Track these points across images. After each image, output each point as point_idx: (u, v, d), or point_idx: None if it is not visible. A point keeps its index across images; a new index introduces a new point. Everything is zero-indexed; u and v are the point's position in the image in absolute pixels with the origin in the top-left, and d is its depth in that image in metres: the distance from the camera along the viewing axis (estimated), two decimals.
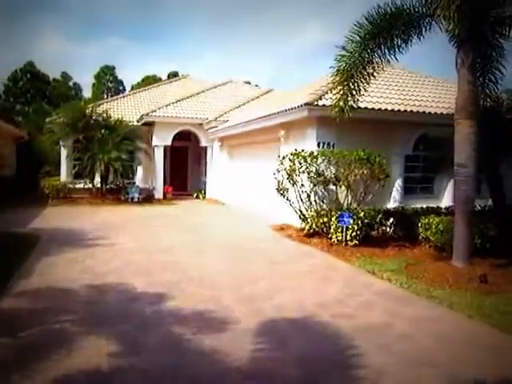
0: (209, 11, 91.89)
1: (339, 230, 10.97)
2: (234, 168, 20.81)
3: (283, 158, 12.21)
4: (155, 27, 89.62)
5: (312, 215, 11.67)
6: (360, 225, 10.90)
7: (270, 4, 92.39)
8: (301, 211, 12.15)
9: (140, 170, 24.20)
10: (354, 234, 10.86)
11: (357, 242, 10.90)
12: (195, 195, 23.96)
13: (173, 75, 49.03)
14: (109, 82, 60.56)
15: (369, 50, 10.00)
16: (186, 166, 26.80)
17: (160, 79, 48.45)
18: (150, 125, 22.93)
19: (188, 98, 24.76)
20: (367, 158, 10.89)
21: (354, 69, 10.05)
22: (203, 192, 23.84)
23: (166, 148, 23.58)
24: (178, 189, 24.74)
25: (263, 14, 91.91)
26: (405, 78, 16.48)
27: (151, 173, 23.18)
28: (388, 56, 10.07)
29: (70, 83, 57.70)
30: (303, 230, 11.93)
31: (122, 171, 20.61)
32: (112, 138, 20.67)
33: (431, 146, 14.03)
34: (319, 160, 11.39)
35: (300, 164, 11.56)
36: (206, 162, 23.91)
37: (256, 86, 36.27)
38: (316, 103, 11.86)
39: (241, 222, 15.68)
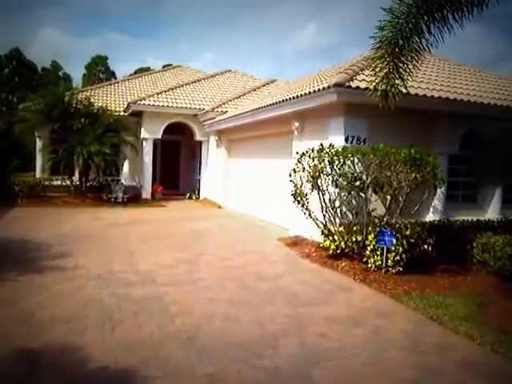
0: (208, 10, 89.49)
1: (378, 252, 8.19)
2: (233, 166, 17.97)
3: (302, 155, 9.40)
4: (153, 23, 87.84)
5: (340, 231, 8.85)
6: (405, 245, 8.12)
7: (269, 2, 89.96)
8: (324, 224, 9.35)
9: (126, 166, 21.36)
10: (398, 257, 8.08)
11: (400, 269, 8.11)
12: (188, 196, 21.09)
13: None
14: (100, 73, 57.47)
15: (424, 14, 7.25)
16: (178, 163, 23.89)
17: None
18: (138, 115, 20.03)
19: (182, 86, 21.88)
20: (418, 158, 8.08)
21: (403, 39, 7.26)
22: (197, 192, 20.98)
23: (155, 142, 20.70)
24: (169, 188, 21.89)
25: (263, 12, 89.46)
26: (449, 67, 13.81)
27: (139, 169, 20.33)
28: (451, 21, 7.31)
29: (60, 73, 54.63)
30: (326, 248, 9.08)
31: (104, 167, 17.72)
32: (94, 128, 17.79)
33: (479, 145, 11.29)
34: (355, 159, 8.56)
35: (329, 163, 8.72)
36: (200, 159, 21.07)
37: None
38: (348, 84, 9.03)
39: (242, 231, 12.81)
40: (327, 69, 15.34)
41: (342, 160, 8.52)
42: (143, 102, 19.29)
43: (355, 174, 8.47)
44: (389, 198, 8.37)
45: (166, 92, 20.67)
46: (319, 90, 9.49)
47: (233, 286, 7.34)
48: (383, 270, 8.09)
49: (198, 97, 20.92)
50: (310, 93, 9.91)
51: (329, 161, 8.71)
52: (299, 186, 9.57)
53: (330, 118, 10.09)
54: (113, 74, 57.13)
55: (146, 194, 19.79)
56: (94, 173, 18.52)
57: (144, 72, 33.67)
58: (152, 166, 20.06)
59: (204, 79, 23.73)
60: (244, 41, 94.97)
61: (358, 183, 8.36)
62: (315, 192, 9.20)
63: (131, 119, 20.30)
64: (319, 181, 8.94)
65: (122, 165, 21.36)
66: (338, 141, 9.42)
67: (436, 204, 10.66)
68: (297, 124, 11.29)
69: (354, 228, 8.55)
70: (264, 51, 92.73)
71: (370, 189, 8.38)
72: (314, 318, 6.06)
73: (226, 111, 18.34)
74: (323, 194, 9.13)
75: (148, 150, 19.89)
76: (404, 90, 7.39)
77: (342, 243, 8.66)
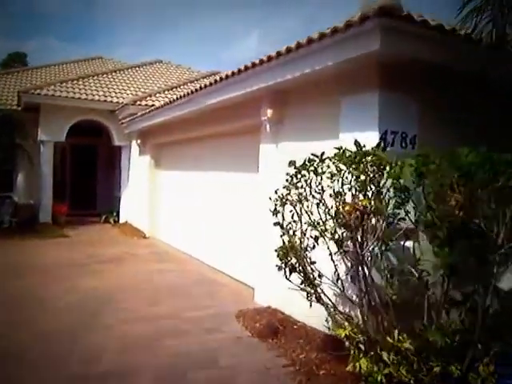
0: (148, 14, 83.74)
1: None
2: (164, 181, 12.71)
3: (304, 166, 4.45)
4: (92, 27, 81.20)
5: (405, 348, 3.80)
6: None
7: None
8: (348, 315, 4.41)
9: (21, 178, 15.61)
10: None
11: None
12: (104, 218, 15.48)
13: None
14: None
15: None
16: (94, 175, 18.23)
17: None
18: (35, 110, 14.33)
19: (96, 75, 16.34)
20: None
21: None
22: (116, 214, 15.47)
23: (61, 146, 15.10)
24: (82, 207, 16.29)
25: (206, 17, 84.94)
26: None
27: (36, 183, 14.63)
28: None
29: None
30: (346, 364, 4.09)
31: None
32: None
33: None
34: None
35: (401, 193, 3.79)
36: (120, 171, 15.61)
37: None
38: (407, 13, 4.13)
39: (177, 293, 7.50)
40: None
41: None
42: (39, 91, 13.65)
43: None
44: None
45: (72, 81, 15.08)
46: (335, 31, 4.51)
47: None
48: None
49: (117, 89, 15.47)
50: (310, 42, 4.90)
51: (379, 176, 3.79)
52: (294, 234, 4.60)
53: (343, 96, 5.20)
54: None
55: (45, 215, 14.11)
56: None
57: None
58: (52, 177, 14.38)
59: (127, 69, 18.27)
60: (184, 46, 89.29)
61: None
62: (331, 248, 4.22)
63: (27, 116, 14.61)
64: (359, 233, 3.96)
65: (17, 176, 15.66)
66: (364, 140, 4.46)
67: None
68: (269, 113, 6.30)
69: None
70: (204, 58, 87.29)
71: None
72: None
73: (153, 105, 13.07)
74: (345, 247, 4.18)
75: (47, 156, 14.23)
76: None
77: (404, 371, 3.68)
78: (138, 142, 13.20)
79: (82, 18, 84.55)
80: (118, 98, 14.65)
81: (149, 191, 12.89)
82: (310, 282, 4.72)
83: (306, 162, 4.45)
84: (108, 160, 17.85)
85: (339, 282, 4.56)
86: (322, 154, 4.41)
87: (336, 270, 4.57)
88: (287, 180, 4.67)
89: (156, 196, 12.89)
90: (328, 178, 4.24)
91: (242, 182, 7.93)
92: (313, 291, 4.73)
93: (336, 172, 4.15)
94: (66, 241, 11.86)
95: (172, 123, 10.30)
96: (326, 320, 4.68)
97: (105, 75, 16.57)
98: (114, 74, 17.07)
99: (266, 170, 6.70)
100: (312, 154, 4.49)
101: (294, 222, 4.64)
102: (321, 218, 4.37)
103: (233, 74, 6.53)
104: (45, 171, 14.18)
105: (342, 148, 4.27)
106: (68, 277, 8.16)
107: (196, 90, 7.76)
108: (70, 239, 12.10)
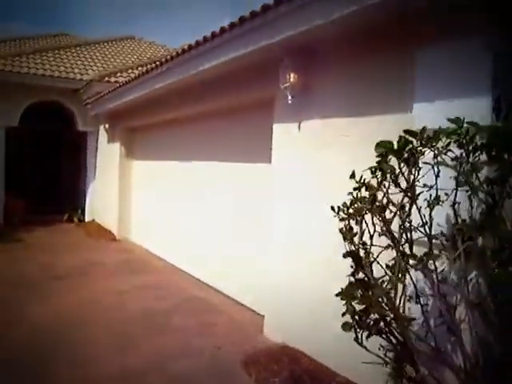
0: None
1: None
2: (138, 172, 10.65)
3: (428, 140, 2.57)
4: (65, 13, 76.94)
5: None
6: None
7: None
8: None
9: None
10: None
11: None
12: (67, 217, 13.31)
13: None
14: None
15: None
16: (58, 166, 15.98)
17: None
18: None
19: (57, 49, 14.09)
20: None
21: None
22: (81, 212, 13.34)
23: (16, 134, 12.84)
24: (43, 204, 14.09)
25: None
26: None
27: None
28: None
29: None
30: None
31: None
32: None
33: None
34: None
35: None
36: (85, 161, 13.45)
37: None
38: None
39: (153, 325, 5.44)
40: None
41: None
42: None
43: None
44: None
45: (28, 55, 12.82)
46: None
47: None
48: None
49: (81, 65, 13.24)
50: None
51: None
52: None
53: (420, 47, 3.33)
54: None
55: None
56: None
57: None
58: (18, 169, 12.17)
59: (94, 44, 15.99)
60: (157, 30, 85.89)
61: None
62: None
63: None
64: None
65: None
66: (462, 112, 2.61)
67: None
68: (292, 77, 4.37)
69: None
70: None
71: None
72: None
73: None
74: None
75: None
76: None
77: None
78: (106, 126, 11.09)
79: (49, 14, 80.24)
80: (82, 74, 12.44)
81: (119, 185, 10.81)
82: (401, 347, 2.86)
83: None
84: (73, 149, 15.62)
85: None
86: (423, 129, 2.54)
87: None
88: (375, 174, 2.75)
89: (128, 191, 10.83)
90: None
91: (245, 172, 6.04)
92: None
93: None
94: (18, 246, 9.68)
95: (148, 101, 8.25)
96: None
97: (67, 49, 14.30)
98: (77, 48, 14.80)
99: (282, 159, 4.81)
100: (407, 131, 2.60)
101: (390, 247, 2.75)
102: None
103: (237, 24, 4.55)
104: None
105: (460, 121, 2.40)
106: (10, 301, 6.12)
107: (183, 52, 5.71)
108: (24, 244, 9.92)
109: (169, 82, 6.62)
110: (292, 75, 4.37)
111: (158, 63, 6.64)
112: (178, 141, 8.37)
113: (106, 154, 11.86)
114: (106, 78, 11.16)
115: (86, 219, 13.07)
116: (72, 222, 13.05)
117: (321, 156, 4.26)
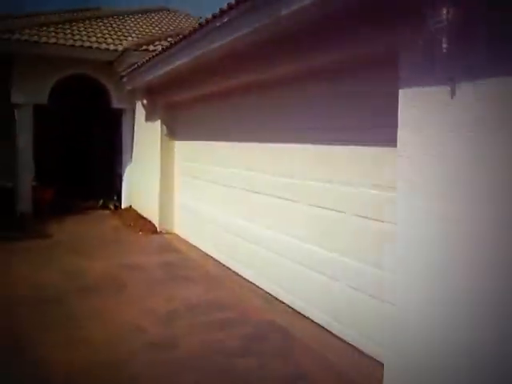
0: None
1: None
2: (185, 152, 9.18)
3: None
4: None
5: None
6: None
7: None
8: None
9: None
10: None
11: None
12: (101, 203, 12.00)
13: None
14: None
15: None
16: (91, 148, 14.72)
17: None
18: (7, 63, 10.75)
19: (87, 20, 12.68)
20: None
21: None
22: (116, 198, 12.02)
23: (43, 112, 11.54)
24: (73, 189, 12.86)
25: None
26: None
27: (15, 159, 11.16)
28: None
29: None
30: None
31: None
32: None
33: None
34: None
35: None
36: (121, 141, 12.07)
37: None
38: None
39: None
40: None
41: None
42: (9, 35, 10.03)
43: None
44: None
45: (57, 25, 11.46)
46: None
47: None
48: None
49: (114, 35, 11.80)
50: None
51: None
52: None
53: None
54: None
55: (24, 204, 10.68)
56: None
57: None
58: (32, 153, 10.92)
59: (127, 15, 14.51)
60: None
61: None
62: None
63: None
64: None
65: None
66: None
67: None
68: (449, 13, 2.76)
69: None
70: None
71: None
72: None
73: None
74: None
75: (24, 124, 10.72)
76: None
77: None
78: (144, 102, 9.63)
79: None
80: (116, 45, 11.01)
81: (160, 168, 9.39)
82: None
83: None
84: (106, 129, 14.30)
85: None
86: None
87: None
88: None
89: (170, 175, 9.42)
90: None
91: (341, 158, 4.45)
92: None
93: None
94: (43, 244, 8.25)
95: (199, 68, 6.72)
96: None
97: (99, 19, 12.90)
98: (110, 18, 13.39)
99: (420, 141, 3.21)
100: None
101: None
102: None
103: None
104: (21, 144, 10.70)
105: None
106: (17, 333, 4.57)
107: None
108: (50, 241, 8.52)
109: (231, 38, 5.05)
110: (448, 10, 2.76)
111: (217, 13, 5.05)
112: (236, 116, 6.83)
113: (144, 133, 10.46)
114: (144, 47, 9.69)
115: (123, 205, 11.76)
116: (107, 209, 11.77)
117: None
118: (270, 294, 5.64)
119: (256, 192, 6.16)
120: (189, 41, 6.19)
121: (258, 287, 5.92)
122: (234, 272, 6.61)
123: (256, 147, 6.20)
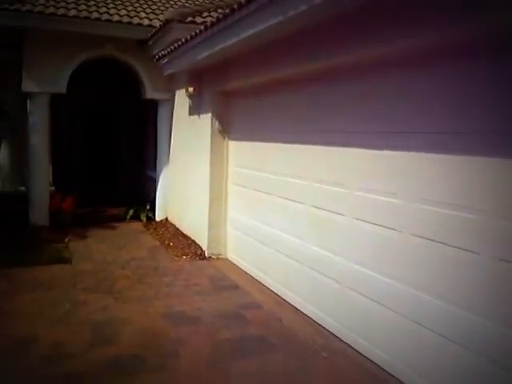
0: None
1: None
2: (242, 155, 6.99)
3: None
4: None
5: None
6: None
7: None
8: None
9: (4, 152, 10.34)
10: None
11: None
12: (131, 214, 9.82)
13: None
14: None
15: None
16: (116, 146, 12.71)
17: None
18: (18, 45, 8.73)
19: None
20: None
21: None
22: (149, 207, 9.90)
23: (62, 103, 9.50)
24: (97, 196, 10.89)
25: None
26: None
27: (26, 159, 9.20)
28: None
29: None
30: None
31: None
32: None
33: None
34: None
35: None
36: (156, 139, 9.97)
37: None
38: None
39: None
40: None
41: None
42: (19, 6, 7.94)
43: None
44: None
45: None
46: None
47: None
48: None
49: (147, 8, 9.62)
50: None
51: None
52: None
53: None
54: None
55: (38, 215, 8.68)
56: None
57: None
58: (48, 152, 8.91)
59: None
60: None
61: None
62: None
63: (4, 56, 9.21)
64: None
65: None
66: None
67: None
68: None
69: None
70: None
71: None
72: None
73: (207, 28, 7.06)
74: None
75: (38, 118, 8.70)
76: None
77: None
78: (190, 90, 7.42)
79: None
80: (150, 20, 8.88)
81: (210, 175, 7.23)
82: None
83: None
84: (137, 124, 12.24)
85: None
86: None
87: None
88: None
89: (223, 183, 7.26)
90: None
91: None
92: None
93: None
94: (60, 275, 6.13)
95: (267, 44, 4.56)
96: None
97: None
98: None
99: None
100: None
101: None
102: None
103: None
104: (35, 142, 8.69)
105: None
106: None
107: None
108: (70, 270, 6.41)
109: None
110: None
111: None
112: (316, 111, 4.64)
113: (187, 129, 8.31)
114: (190, 18, 7.48)
115: (157, 217, 9.67)
116: (138, 220, 9.67)
117: None
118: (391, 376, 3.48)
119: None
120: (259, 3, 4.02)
121: (378, 366, 3.74)
122: (329, 332, 4.46)
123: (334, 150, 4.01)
